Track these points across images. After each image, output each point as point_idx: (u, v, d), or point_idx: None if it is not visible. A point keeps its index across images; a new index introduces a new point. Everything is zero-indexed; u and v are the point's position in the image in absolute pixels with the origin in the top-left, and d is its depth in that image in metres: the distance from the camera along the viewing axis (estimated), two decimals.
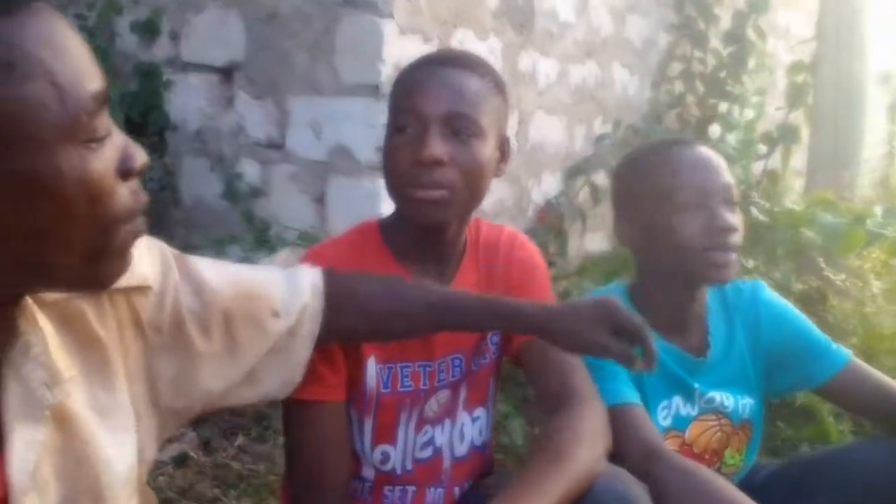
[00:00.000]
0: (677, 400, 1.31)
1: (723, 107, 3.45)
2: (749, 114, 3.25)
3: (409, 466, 1.10)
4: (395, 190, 1.03)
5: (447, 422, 1.12)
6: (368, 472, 1.10)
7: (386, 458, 1.09)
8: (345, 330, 0.94)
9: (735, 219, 1.25)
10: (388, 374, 1.06)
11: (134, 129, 2.35)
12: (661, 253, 1.29)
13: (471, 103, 1.01)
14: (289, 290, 0.87)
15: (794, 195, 3.53)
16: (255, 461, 1.80)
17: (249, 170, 2.35)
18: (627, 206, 1.33)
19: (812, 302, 2.86)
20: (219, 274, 0.82)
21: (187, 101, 2.43)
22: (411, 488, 1.11)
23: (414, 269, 1.07)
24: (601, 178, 3.15)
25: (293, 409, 1.02)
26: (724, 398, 1.34)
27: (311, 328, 0.88)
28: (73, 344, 0.68)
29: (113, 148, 0.59)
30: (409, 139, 1.00)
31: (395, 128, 1.03)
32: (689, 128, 3.66)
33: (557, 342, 0.97)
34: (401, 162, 1.00)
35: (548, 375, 1.07)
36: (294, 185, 2.27)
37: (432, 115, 0.99)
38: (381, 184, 2.08)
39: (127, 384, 0.73)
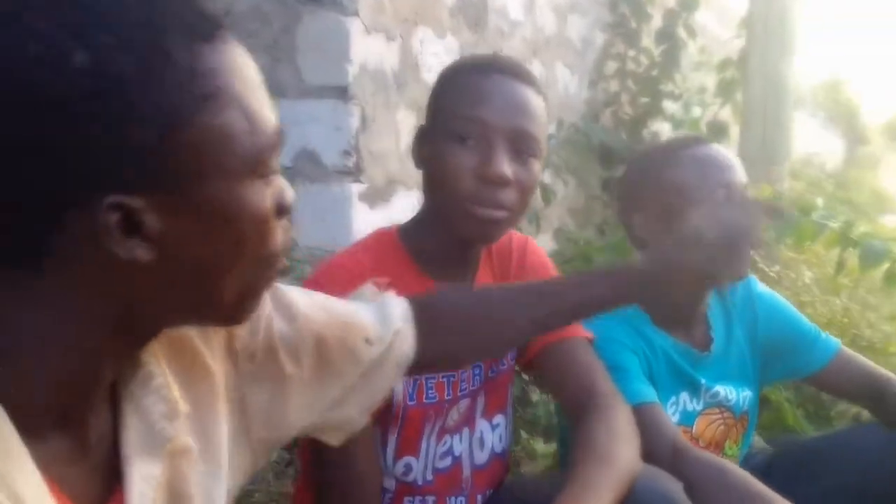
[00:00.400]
0: (684, 395, 1.33)
1: (669, 105, 3.54)
2: (696, 111, 3.35)
3: (429, 477, 1.08)
4: (451, 203, 0.98)
5: (465, 430, 1.11)
6: (389, 483, 1.07)
7: (408, 469, 1.07)
8: (443, 351, 0.87)
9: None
10: (414, 387, 1.04)
11: None
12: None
13: (536, 122, 0.99)
14: (379, 318, 0.81)
15: None
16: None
17: None
18: (638, 203, 1.34)
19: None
20: (309, 301, 0.77)
21: None
22: (431, 498, 1.09)
23: (437, 279, 1.05)
24: (548, 178, 3.17)
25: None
26: (728, 392, 1.37)
27: (401, 355, 0.82)
28: (182, 376, 0.65)
29: (276, 183, 0.59)
30: (471, 150, 0.96)
31: (453, 136, 0.97)
32: (623, 126, 3.74)
33: (687, 272, 0.89)
34: (463, 175, 0.95)
35: (571, 378, 1.07)
36: None
37: (500, 129, 0.95)
38: (350, 189, 2.00)
39: (226, 415, 0.70)
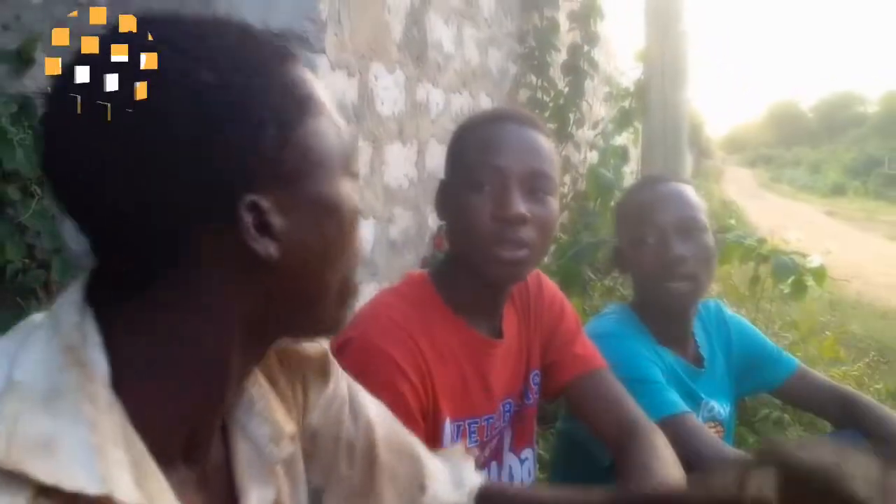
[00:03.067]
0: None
1: (581, 133, 3.71)
2: (618, 139, 3.53)
3: None
4: (475, 249, 1.00)
5: (493, 465, 1.12)
6: None
7: None
8: None
9: (683, 249, 1.36)
10: (458, 432, 1.04)
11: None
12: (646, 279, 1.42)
13: (547, 161, 1.03)
14: (448, 477, 0.79)
15: None
16: None
17: None
18: (621, 237, 1.46)
19: None
20: (376, 408, 0.76)
21: None
22: None
23: (469, 321, 1.07)
24: None
25: None
26: (720, 406, 1.46)
27: None
28: (281, 401, 0.65)
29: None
30: (488, 196, 0.99)
31: (471, 185, 1.00)
32: None
33: None
34: (483, 220, 0.98)
35: (606, 408, 1.10)
36: None
37: (513, 172, 0.98)
38: None
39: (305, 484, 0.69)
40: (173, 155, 0.49)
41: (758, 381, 1.56)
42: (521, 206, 0.97)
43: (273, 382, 0.66)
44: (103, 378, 0.50)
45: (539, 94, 3.93)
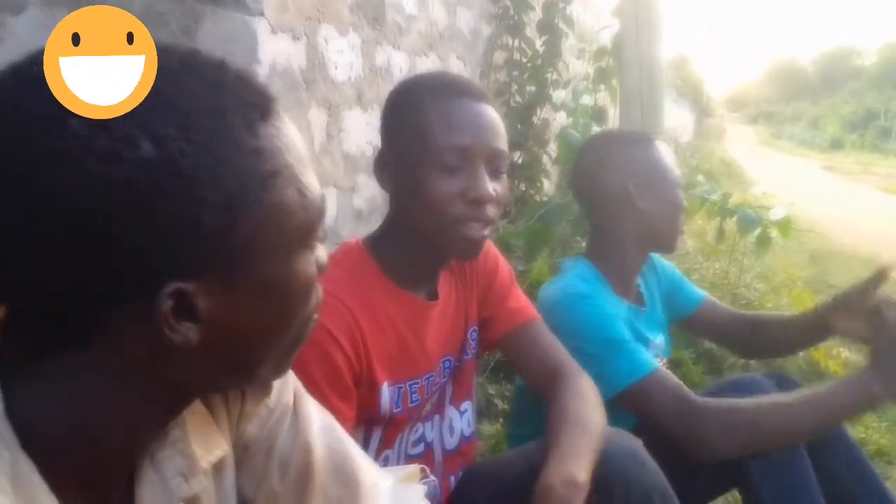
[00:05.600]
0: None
1: (557, 94, 3.59)
2: (587, 99, 3.42)
3: (402, 463, 1.09)
4: (441, 228, 0.99)
5: (436, 418, 1.13)
6: None
7: (386, 461, 1.07)
8: None
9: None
10: (399, 394, 1.04)
11: None
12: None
13: (504, 139, 1.03)
14: (391, 497, 0.73)
15: None
16: None
17: None
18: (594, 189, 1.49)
19: None
20: (322, 427, 0.70)
21: None
22: None
23: (406, 288, 1.06)
24: None
25: None
26: (660, 340, 1.50)
27: None
28: (208, 436, 0.59)
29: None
30: (455, 176, 0.98)
31: (438, 165, 0.98)
32: (514, 114, 3.77)
33: None
34: (450, 200, 0.97)
35: (538, 358, 1.14)
36: None
37: (480, 153, 0.98)
38: None
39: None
40: (85, 240, 0.43)
41: (674, 312, 1.60)
42: (490, 187, 0.98)
43: (210, 407, 0.61)
44: None
45: (516, 56, 3.80)
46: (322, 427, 0.71)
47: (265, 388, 0.63)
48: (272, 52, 1.91)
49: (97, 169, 0.43)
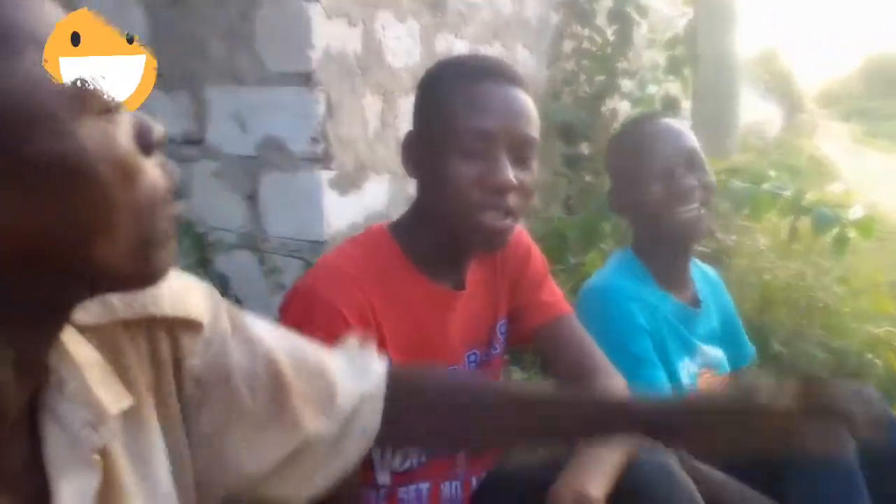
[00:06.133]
0: (687, 361, 1.33)
1: (626, 84, 3.47)
2: (652, 89, 3.29)
3: (423, 458, 1.05)
4: (458, 215, 0.94)
5: None
6: (384, 478, 1.02)
7: (405, 458, 1.03)
8: (409, 434, 0.79)
9: (692, 179, 1.31)
10: None
11: None
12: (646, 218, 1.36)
13: (534, 125, 0.97)
14: (352, 371, 0.73)
15: None
16: None
17: None
18: (618, 176, 1.39)
19: (711, 263, 2.96)
20: (274, 335, 0.69)
21: None
22: (425, 486, 1.05)
23: (430, 276, 1.02)
24: None
25: None
26: (713, 350, 1.39)
27: (368, 423, 0.73)
28: (117, 375, 0.56)
29: (127, 120, 0.49)
30: (476, 162, 0.93)
31: (457, 149, 0.93)
32: (582, 104, 3.67)
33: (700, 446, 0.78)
34: (469, 187, 0.93)
35: (569, 355, 1.07)
36: (219, 183, 2.03)
37: (502, 138, 0.93)
38: (319, 177, 1.89)
39: (164, 446, 0.60)
40: None
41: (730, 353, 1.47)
42: (510, 174, 0.93)
43: (115, 352, 0.57)
44: None
45: (585, 44, 3.69)
46: (274, 336, 0.69)
47: (146, 286, 0.53)
48: (326, 38, 1.90)
49: None
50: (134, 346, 0.59)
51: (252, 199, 1.99)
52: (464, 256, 1.04)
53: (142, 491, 0.57)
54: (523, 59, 3.31)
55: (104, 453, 0.54)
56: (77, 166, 0.44)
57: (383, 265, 0.98)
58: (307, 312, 0.92)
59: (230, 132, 1.99)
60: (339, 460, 0.72)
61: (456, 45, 2.66)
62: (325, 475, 0.72)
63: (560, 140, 3.41)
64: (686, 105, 3.62)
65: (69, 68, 0.44)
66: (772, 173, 2.61)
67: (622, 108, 3.54)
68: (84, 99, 0.45)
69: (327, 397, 0.70)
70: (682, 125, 1.38)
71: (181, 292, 0.62)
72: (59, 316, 0.51)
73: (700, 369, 1.33)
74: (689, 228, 1.30)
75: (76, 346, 0.54)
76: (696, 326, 1.36)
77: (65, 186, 0.44)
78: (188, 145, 2.05)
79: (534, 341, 1.12)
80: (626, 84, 3.56)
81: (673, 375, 1.27)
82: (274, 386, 0.67)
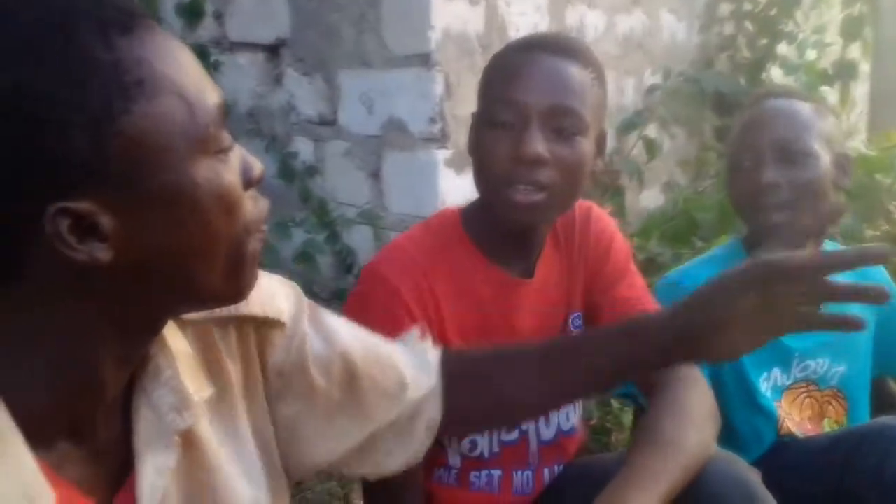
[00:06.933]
0: (776, 371, 1.21)
1: (781, 48, 3.17)
2: (811, 54, 2.98)
3: (496, 449, 1.04)
4: (489, 189, 0.94)
5: None
6: (455, 460, 1.04)
7: (474, 445, 1.03)
8: (465, 416, 0.82)
9: (777, 174, 1.15)
10: None
11: None
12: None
13: (576, 96, 0.91)
14: (417, 365, 0.77)
15: (859, 135, 3.25)
16: None
17: (303, 148, 2.25)
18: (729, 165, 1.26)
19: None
20: (350, 330, 0.75)
21: (237, 81, 2.32)
22: (497, 472, 1.04)
23: (498, 262, 1.00)
24: (654, 131, 2.95)
25: None
26: (819, 365, 1.23)
27: (432, 412, 0.78)
28: (207, 367, 0.64)
29: (236, 159, 0.57)
30: (507, 133, 0.90)
31: (489, 120, 0.92)
32: (741, 71, 3.40)
33: (712, 349, 0.75)
34: (498, 159, 0.90)
35: None
36: (349, 162, 2.16)
37: (534, 108, 0.89)
38: (436, 156, 1.95)
39: (251, 429, 0.68)
40: None
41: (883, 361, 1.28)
42: (537, 146, 0.88)
43: (206, 346, 0.65)
44: None
45: (747, 6, 3.40)
46: (349, 331, 0.75)
47: (235, 302, 0.61)
48: (446, 18, 1.94)
49: None
50: (225, 341, 0.66)
51: (376, 176, 2.10)
52: (527, 240, 1.02)
53: (231, 468, 0.64)
54: (669, 25, 3.12)
55: (191, 434, 0.61)
56: (189, 199, 0.52)
57: (448, 249, 0.99)
58: (369, 290, 0.95)
59: (359, 114, 2.10)
60: (408, 450, 0.77)
61: (588, 16, 2.58)
62: (394, 462, 0.77)
63: (712, 111, 3.19)
64: (865, 69, 3.23)
65: (195, 114, 0.52)
66: None
67: (778, 76, 3.24)
68: (205, 142, 0.53)
69: (398, 389, 0.75)
70: (802, 108, 1.20)
71: (268, 294, 0.69)
72: (159, 323, 0.59)
73: (794, 384, 1.21)
74: (769, 231, 1.17)
75: (173, 339, 0.61)
76: (803, 335, 1.20)
77: (177, 216, 0.52)
78: (323, 126, 2.20)
79: None
80: (784, 49, 3.24)
81: (744, 383, 1.16)
82: (348, 377, 0.72)
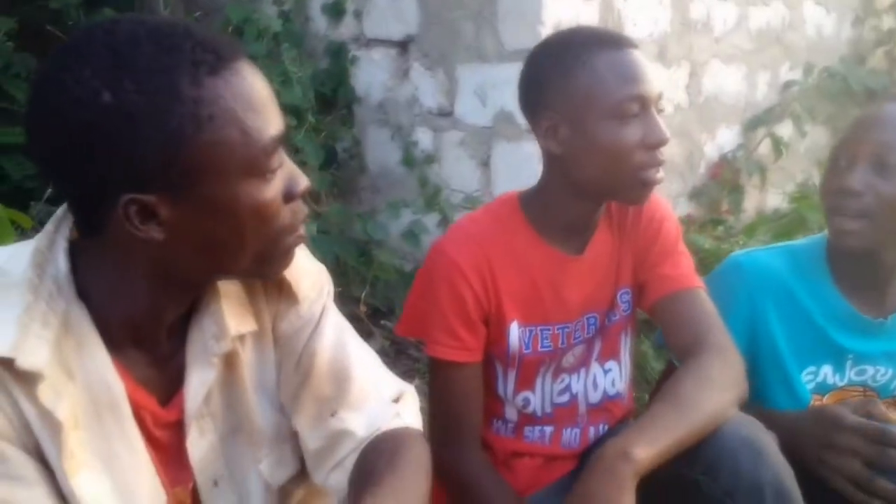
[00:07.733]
0: (826, 368, 1.18)
1: None
2: None
3: (548, 410, 1.15)
4: (623, 176, 1.02)
5: (582, 371, 1.16)
6: (511, 414, 1.15)
7: (527, 402, 1.14)
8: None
9: (864, 180, 1.07)
10: (529, 336, 1.10)
11: (325, 104, 2.49)
12: None
13: (658, 83, 1.04)
14: (371, 413, 0.82)
15: None
16: None
17: (423, 137, 2.40)
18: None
19: None
20: (333, 348, 0.83)
21: (370, 74, 2.51)
22: (549, 428, 1.16)
23: (553, 243, 1.10)
24: (786, 129, 2.82)
25: (437, 366, 1.10)
26: (880, 372, 1.18)
27: (337, 478, 0.81)
28: (252, 308, 0.79)
29: (282, 177, 0.69)
30: (634, 126, 1.00)
31: (614, 117, 1.00)
32: None
33: None
34: (635, 149, 1.00)
35: (683, 329, 1.06)
36: (462, 151, 2.28)
37: (652, 99, 1.01)
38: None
39: (276, 367, 0.82)
40: (74, 158, 0.62)
41: None
42: (667, 130, 1.01)
43: (249, 292, 0.79)
44: (56, 275, 0.67)
45: None
46: (334, 342, 0.83)
47: (267, 279, 0.78)
48: (557, 13, 2.00)
49: (72, 111, 0.60)
50: (264, 291, 0.81)
51: (486, 165, 2.20)
52: (588, 223, 1.10)
53: (261, 394, 0.80)
54: (814, 18, 2.96)
55: (232, 357, 0.76)
56: (229, 209, 0.66)
57: (506, 229, 1.09)
58: (433, 265, 1.08)
59: (473, 106, 2.22)
60: (320, 472, 0.82)
61: (716, 9, 2.52)
62: (281, 473, 0.83)
63: (858, 109, 2.99)
64: None
65: (250, 146, 0.65)
66: None
67: None
68: (254, 167, 0.66)
69: (329, 409, 0.81)
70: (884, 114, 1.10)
71: (301, 272, 0.81)
72: (201, 283, 0.75)
73: (848, 386, 1.16)
74: (838, 238, 1.12)
75: (228, 282, 0.77)
76: (870, 339, 1.16)
77: (218, 219, 0.66)
78: (441, 117, 2.34)
79: (652, 314, 1.13)
80: None
81: (783, 373, 1.14)
82: (305, 373, 0.82)
